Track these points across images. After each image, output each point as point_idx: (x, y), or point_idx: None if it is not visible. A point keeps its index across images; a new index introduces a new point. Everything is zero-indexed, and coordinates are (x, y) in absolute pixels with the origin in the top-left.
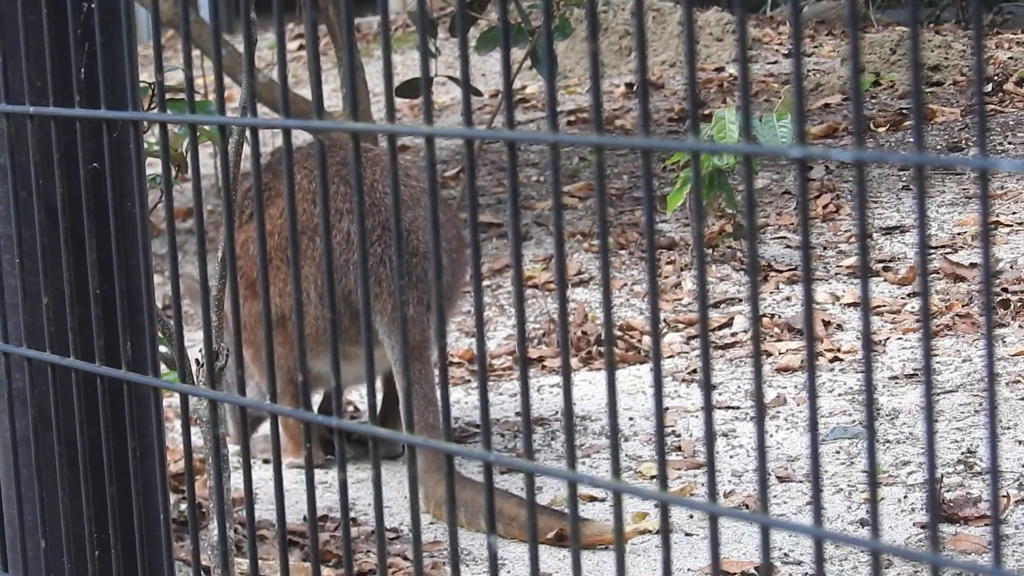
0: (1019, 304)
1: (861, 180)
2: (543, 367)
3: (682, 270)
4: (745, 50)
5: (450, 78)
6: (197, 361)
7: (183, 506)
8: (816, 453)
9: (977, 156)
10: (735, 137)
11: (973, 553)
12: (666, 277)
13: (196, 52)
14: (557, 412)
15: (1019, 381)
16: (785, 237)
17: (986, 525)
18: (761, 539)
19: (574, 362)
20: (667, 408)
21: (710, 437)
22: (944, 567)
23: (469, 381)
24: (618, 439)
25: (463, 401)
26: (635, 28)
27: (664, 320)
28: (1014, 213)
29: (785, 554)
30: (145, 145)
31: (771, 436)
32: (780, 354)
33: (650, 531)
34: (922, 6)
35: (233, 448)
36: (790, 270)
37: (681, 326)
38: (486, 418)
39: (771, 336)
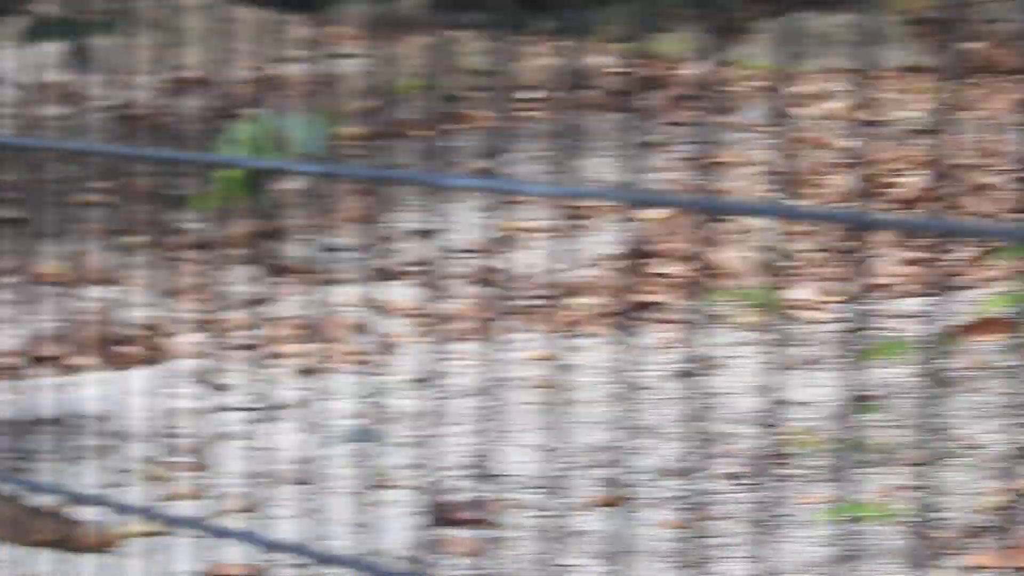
0: (536, 310)
1: (324, 195)
2: (65, 366)
3: (213, 271)
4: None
5: None
6: None
7: None
8: (311, 459)
9: (426, 172)
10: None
11: (471, 555)
12: (193, 277)
13: None
14: (70, 412)
15: (535, 387)
16: (314, 239)
17: (483, 528)
18: (211, 546)
19: (93, 361)
20: (182, 408)
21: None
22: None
23: None
24: (106, 445)
25: None
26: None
27: (189, 321)
28: (534, 220)
29: (293, 556)
30: None
31: (285, 438)
32: (303, 356)
33: (157, 533)
34: (473, 11)
35: None
36: (315, 272)
37: (206, 327)
38: None
39: (294, 338)
